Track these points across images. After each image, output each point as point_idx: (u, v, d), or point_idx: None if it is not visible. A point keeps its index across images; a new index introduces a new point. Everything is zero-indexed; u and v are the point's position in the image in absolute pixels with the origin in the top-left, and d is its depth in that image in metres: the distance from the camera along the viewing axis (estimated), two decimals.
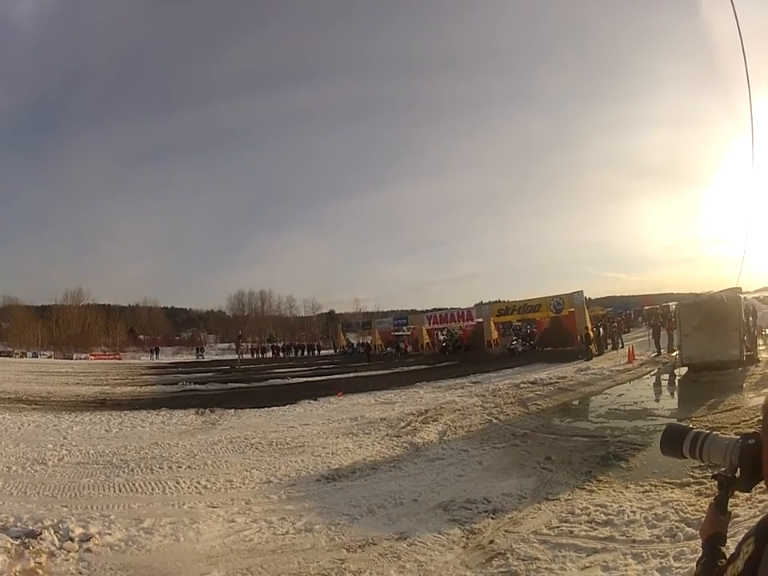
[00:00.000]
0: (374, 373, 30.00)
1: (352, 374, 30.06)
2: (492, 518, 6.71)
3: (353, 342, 62.43)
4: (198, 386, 26.10)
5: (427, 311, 56.42)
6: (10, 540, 5.87)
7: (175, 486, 8.56)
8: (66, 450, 11.09)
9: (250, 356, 62.79)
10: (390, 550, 5.80)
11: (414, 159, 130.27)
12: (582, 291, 36.19)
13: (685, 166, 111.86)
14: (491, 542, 5.95)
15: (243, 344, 60.51)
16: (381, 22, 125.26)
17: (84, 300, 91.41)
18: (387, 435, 12.01)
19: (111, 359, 71.09)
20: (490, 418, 13.50)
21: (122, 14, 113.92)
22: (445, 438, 11.67)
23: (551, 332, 36.66)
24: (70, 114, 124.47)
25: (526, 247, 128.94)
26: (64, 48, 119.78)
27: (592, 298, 51.15)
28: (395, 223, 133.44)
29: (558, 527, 6.20)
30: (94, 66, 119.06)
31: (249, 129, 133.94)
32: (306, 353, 67.31)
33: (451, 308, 51.77)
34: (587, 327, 30.92)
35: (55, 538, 6.01)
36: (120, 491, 8.35)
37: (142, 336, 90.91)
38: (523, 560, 5.34)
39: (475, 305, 52.21)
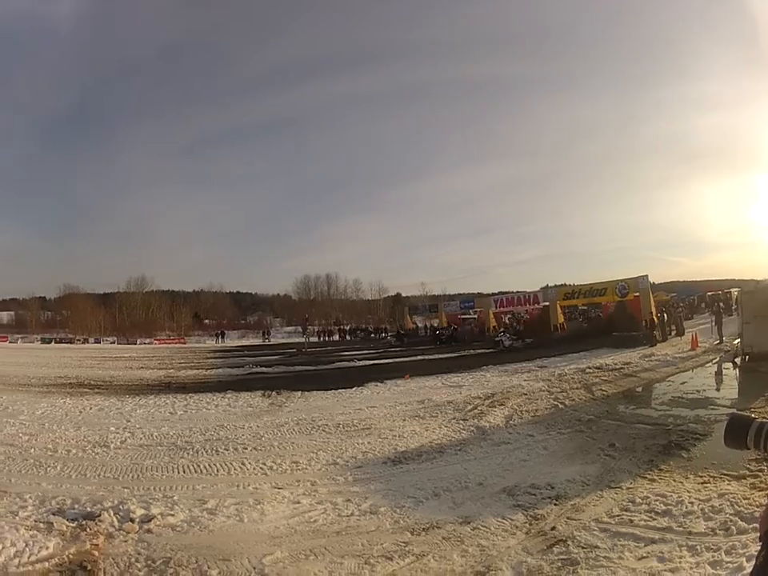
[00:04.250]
0: (440, 356, 30.39)
1: (419, 357, 30.72)
2: (555, 504, 6.77)
3: (418, 324, 63.47)
4: (264, 369, 26.72)
5: (493, 294, 57.07)
6: (66, 522, 5.93)
7: (240, 468, 8.63)
8: (129, 432, 11.33)
9: (316, 339, 63.71)
10: (454, 534, 5.84)
11: (473, 143, 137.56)
12: (646, 276, 35.67)
13: (741, 149, 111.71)
14: (553, 528, 5.99)
15: (310, 327, 61.25)
16: (437, 5, 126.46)
17: (148, 287, 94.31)
18: (454, 418, 12.14)
19: (176, 343, 72.94)
20: (555, 403, 13.72)
21: (176, 3, 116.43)
22: (511, 422, 11.77)
23: (616, 316, 36.40)
24: (129, 106, 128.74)
25: (588, 231, 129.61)
26: (125, 40, 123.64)
27: (655, 282, 49.94)
28: (458, 207, 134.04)
29: (618, 516, 6.23)
30: (150, 58, 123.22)
31: (307, 116, 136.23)
32: (372, 336, 68.18)
33: (517, 291, 51.06)
34: (651, 312, 31.01)
35: (115, 519, 6.04)
36: (184, 472, 8.46)
37: (207, 320, 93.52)
38: (583, 548, 5.39)
39: (541, 288, 52.09)
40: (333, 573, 4.94)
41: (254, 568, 4.93)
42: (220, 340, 74.02)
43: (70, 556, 5.13)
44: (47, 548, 5.28)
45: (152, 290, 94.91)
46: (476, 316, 52.20)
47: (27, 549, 5.24)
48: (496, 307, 47.16)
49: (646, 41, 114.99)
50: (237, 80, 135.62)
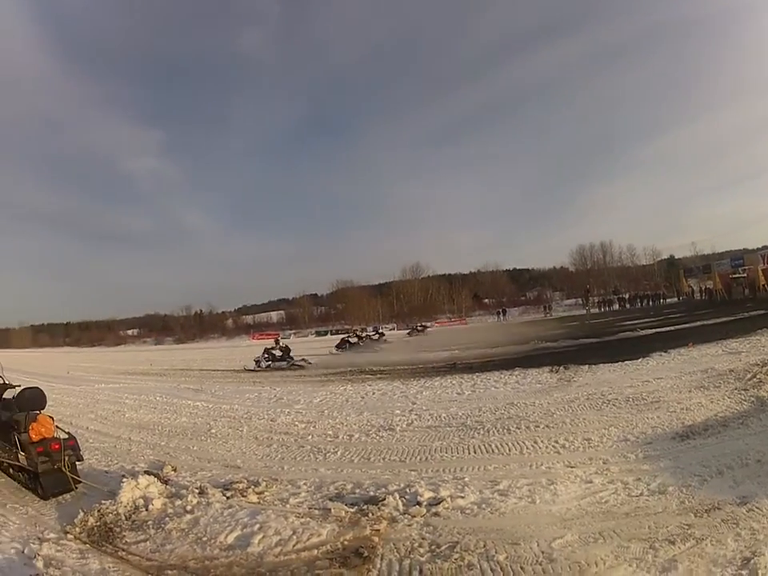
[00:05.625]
0: (717, 320, 28.83)
1: (698, 323, 29.24)
2: None
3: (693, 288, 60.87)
4: (549, 344, 26.33)
5: (760, 249, 52.15)
6: (345, 508, 5.98)
7: (533, 446, 8.40)
8: (416, 414, 11.49)
9: (596, 310, 62.86)
10: (731, 516, 5.40)
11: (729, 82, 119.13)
12: None
13: None
14: None
15: (591, 298, 60.06)
16: None
17: (424, 273, 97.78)
18: (735, 388, 11.31)
19: (457, 325, 74.78)
20: None
21: None
22: None
23: None
24: (377, 101, 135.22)
25: None
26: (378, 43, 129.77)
27: None
28: (719, 153, 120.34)
29: None
30: (392, 48, 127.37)
31: (552, 82, 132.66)
32: (650, 302, 66.77)
33: None
34: None
35: (400, 503, 5.99)
36: (475, 453, 8.36)
37: (486, 300, 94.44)
38: None
39: None
40: (618, 557, 4.62)
41: (543, 552, 4.69)
42: (502, 317, 75.26)
43: (345, 542, 5.12)
44: (319, 535, 5.32)
45: (428, 275, 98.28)
46: (745, 275, 48.60)
47: (294, 537, 5.32)
48: (764, 263, 43.50)
49: None
50: (476, 52, 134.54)
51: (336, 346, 37.19)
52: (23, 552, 5.52)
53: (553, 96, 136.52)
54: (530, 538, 4.92)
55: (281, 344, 28.75)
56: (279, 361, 27.35)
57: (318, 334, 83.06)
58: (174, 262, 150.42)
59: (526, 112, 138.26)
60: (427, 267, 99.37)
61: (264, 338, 71.16)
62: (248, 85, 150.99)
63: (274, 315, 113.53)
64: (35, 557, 5.35)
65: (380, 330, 50.33)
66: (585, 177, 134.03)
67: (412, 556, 4.74)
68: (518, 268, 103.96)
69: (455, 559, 4.61)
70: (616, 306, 70.50)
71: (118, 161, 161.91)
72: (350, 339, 39.01)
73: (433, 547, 4.88)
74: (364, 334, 43.43)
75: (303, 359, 27.44)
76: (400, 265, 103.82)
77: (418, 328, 57.38)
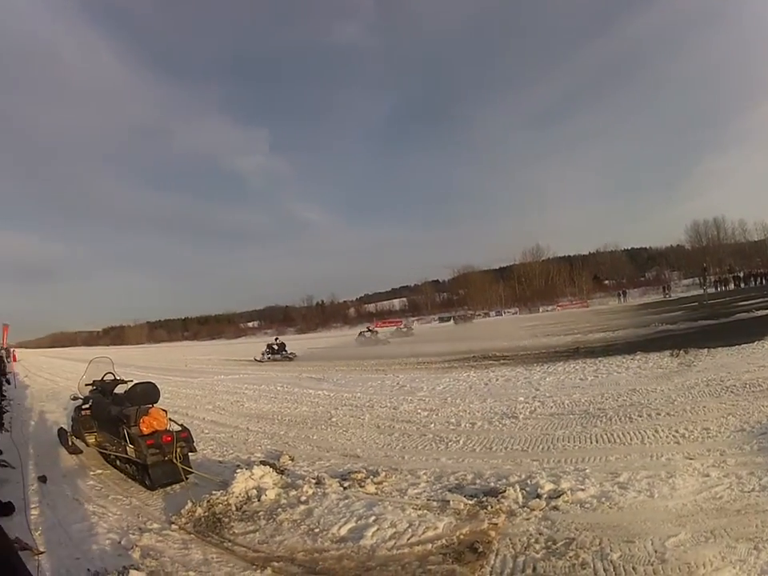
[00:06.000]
0: None
1: None
2: None
3: None
4: (669, 327, 25.87)
5: None
6: (464, 500, 5.81)
7: (654, 436, 8.04)
8: (539, 401, 11.31)
9: (713, 289, 61.62)
10: None
11: None
12: None
13: None
14: None
15: (708, 277, 59.21)
16: None
17: (544, 255, 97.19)
18: None
19: (578, 307, 73.84)
20: None
21: None
22: None
23: None
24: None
25: None
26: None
27: None
28: None
29: None
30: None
31: (665, 41, 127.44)
32: (763, 281, 65.35)
33: None
34: None
35: (520, 495, 5.79)
36: (596, 442, 8.11)
37: (606, 281, 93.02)
38: None
39: None
40: (725, 558, 4.29)
41: (656, 552, 4.39)
42: (622, 299, 74.99)
43: (461, 536, 4.96)
44: (435, 528, 5.18)
45: (548, 257, 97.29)
46: None
47: (410, 530, 5.19)
48: None
49: None
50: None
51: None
52: (119, 543, 5.66)
53: (666, 60, 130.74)
54: (645, 536, 4.68)
55: (278, 341, 36.95)
56: (276, 354, 35.17)
57: (441, 320, 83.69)
58: (293, 255, 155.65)
59: (638, 79, 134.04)
60: (547, 249, 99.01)
61: (386, 326, 72.99)
62: (352, 74, 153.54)
63: (397, 303, 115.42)
64: (132, 547, 5.46)
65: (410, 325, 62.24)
66: (699, 147, 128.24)
67: (527, 552, 4.55)
68: (635, 247, 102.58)
69: (570, 557, 4.41)
70: (731, 286, 68.59)
71: (228, 161, 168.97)
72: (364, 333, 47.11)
73: (549, 543, 4.69)
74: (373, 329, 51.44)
75: (292, 353, 35.01)
76: (519, 247, 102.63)
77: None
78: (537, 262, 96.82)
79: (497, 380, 14.91)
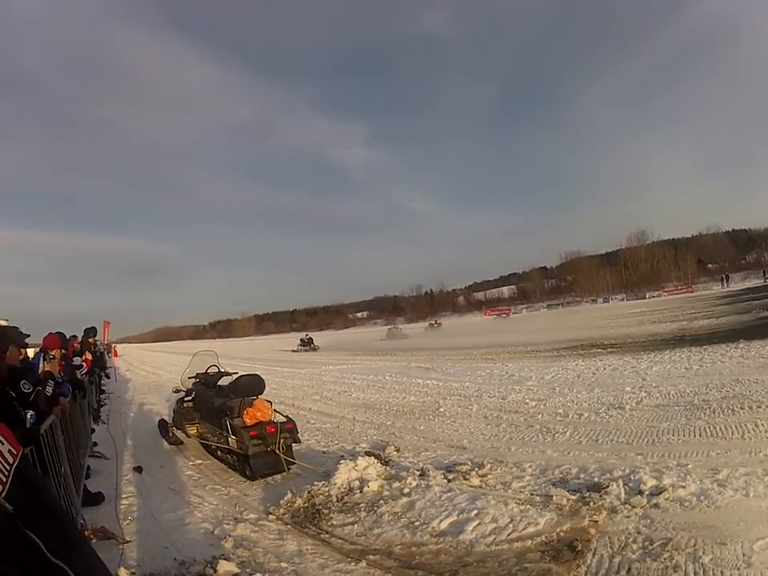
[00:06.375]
0: None
1: None
2: None
3: None
4: None
5: None
6: (567, 495, 5.78)
7: (754, 430, 7.84)
8: (645, 392, 11.20)
9: None
10: None
11: None
12: None
13: None
14: None
15: None
16: None
17: (649, 239, 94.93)
18: None
19: (684, 293, 71.97)
20: None
21: None
22: None
23: None
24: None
25: None
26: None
27: None
28: None
29: None
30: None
31: None
32: None
33: None
34: None
35: (622, 491, 5.72)
36: (700, 436, 7.91)
37: (710, 265, 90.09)
38: None
39: None
40: None
41: (743, 555, 4.23)
42: (725, 284, 73.18)
43: (561, 534, 4.93)
44: (536, 524, 5.14)
45: (652, 241, 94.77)
46: None
47: (511, 525, 5.17)
48: None
49: None
50: None
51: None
52: (212, 533, 5.85)
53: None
54: (737, 537, 4.52)
55: (308, 336, 51.55)
56: (305, 346, 48.18)
57: (550, 307, 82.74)
58: (402, 245, 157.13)
59: (744, 50, 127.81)
60: (651, 232, 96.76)
61: (495, 314, 73.09)
62: (453, 64, 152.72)
63: (506, 290, 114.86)
64: (225, 537, 5.60)
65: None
66: None
67: (624, 552, 4.49)
68: (736, 229, 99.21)
69: (664, 559, 4.33)
70: None
71: (334, 155, 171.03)
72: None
73: (646, 543, 4.61)
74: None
75: (317, 345, 48.34)
76: (623, 231, 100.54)
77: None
78: (642, 247, 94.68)
79: (604, 369, 14.92)
